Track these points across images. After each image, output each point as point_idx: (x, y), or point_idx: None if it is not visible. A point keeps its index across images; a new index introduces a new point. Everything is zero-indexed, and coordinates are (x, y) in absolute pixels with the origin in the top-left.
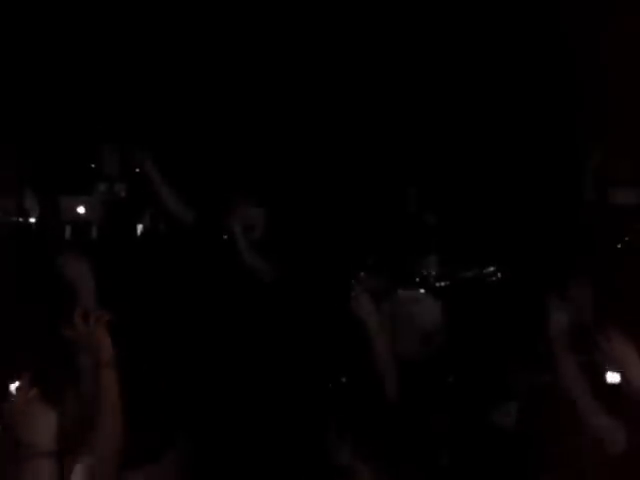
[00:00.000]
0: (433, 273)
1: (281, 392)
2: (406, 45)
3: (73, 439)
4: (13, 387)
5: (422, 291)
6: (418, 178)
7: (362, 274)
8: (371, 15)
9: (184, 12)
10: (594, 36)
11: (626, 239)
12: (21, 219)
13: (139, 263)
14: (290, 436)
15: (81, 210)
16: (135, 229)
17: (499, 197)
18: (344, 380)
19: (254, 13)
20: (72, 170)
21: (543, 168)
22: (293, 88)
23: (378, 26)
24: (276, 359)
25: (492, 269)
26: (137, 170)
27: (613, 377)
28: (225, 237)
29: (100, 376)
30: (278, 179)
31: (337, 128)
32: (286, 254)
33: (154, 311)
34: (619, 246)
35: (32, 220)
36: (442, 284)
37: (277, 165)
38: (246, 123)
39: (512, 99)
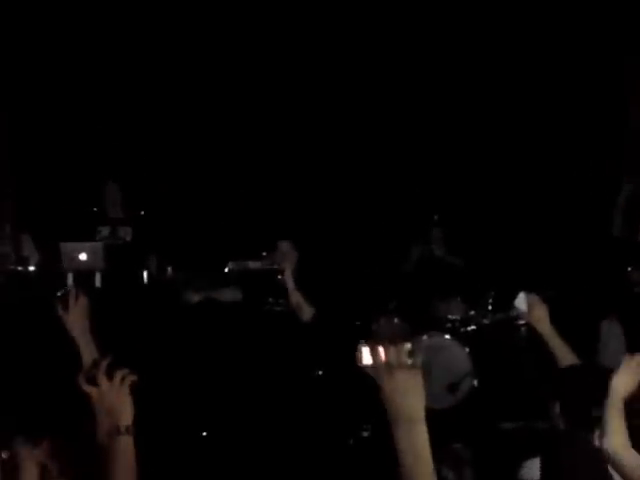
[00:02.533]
0: (458, 317)
1: (301, 446)
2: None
3: None
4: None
5: (447, 337)
6: (445, 220)
7: (381, 319)
8: (381, 28)
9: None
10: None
11: None
12: (19, 267)
13: (146, 313)
14: None
15: (83, 257)
16: (141, 276)
17: (529, 237)
18: (365, 434)
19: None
20: (73, 214)
21: (573, 211)
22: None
23: (389, 46)
24: (298, 414)
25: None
26: (142, 212)
27: None
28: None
29: (117, 443)
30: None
31: (361, 173)
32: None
33: (166, 368)
34: None
35: (31, 268)
36: (468, 329)
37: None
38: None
39: (545, 132)
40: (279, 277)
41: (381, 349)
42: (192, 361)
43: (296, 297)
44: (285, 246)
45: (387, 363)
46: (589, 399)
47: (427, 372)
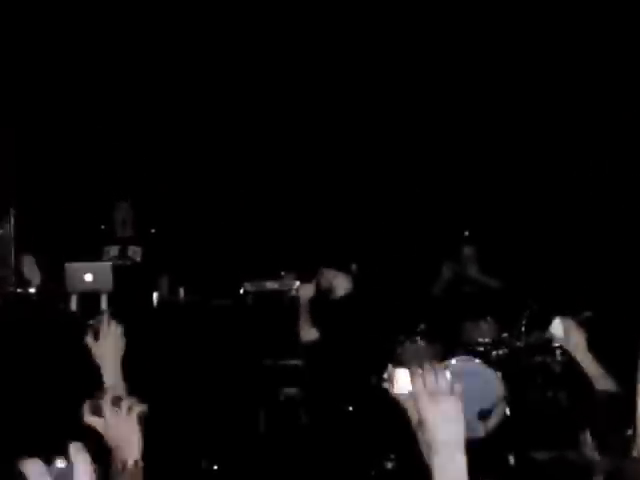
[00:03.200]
0: (490, 340)
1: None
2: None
3: None
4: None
5: (478, 361)
6: (477, 237)
7: (406, 343)
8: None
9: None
10: None
11: None
12: (19, 289)
13: (157, 338)
14: None
15: (89, 278)
16: (151, 298)
17: (564, 255)
18: (389, 466)
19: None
20: (79, 233)
21: (611, 227)
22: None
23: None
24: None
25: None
26: (153, 231)
27: None
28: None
29: (124, 477)
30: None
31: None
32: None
33: (178, 398)
34: None
35: (32, 290)
36: (500, 352)
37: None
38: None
39: (585, 149)
40: (292, 294)
41: (419, 375)
42: (205, 388)
43: (305, 317)
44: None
45: (428, 389)
46: (621, 427)
47: (460, 395)
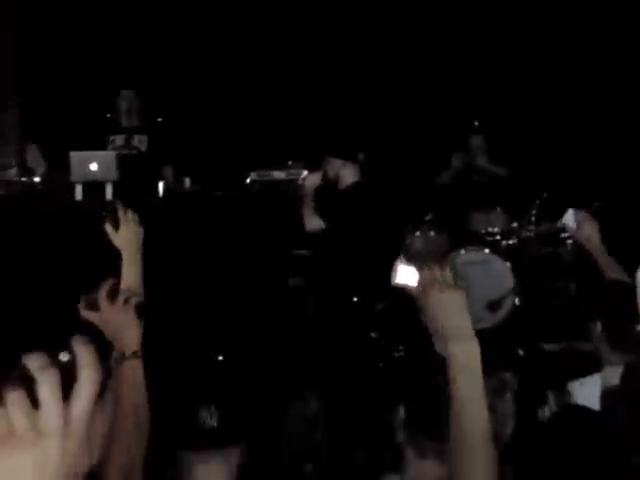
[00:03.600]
0: (499, 230)
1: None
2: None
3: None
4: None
5: (487, 251)
6: (486, 126)
7: (416, 233)
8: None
9: None
10: None
11: None
12: (24, 178)
13: (162, 229)
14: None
15: (94, 167)
16: (157, 188)
17: (576, 144)
18: (397, 356)
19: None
20: (83, 121)
21: (624, 116)
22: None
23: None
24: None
25: (569, 228)
26: (159, 120)
27: None
28: None
29: (125, 369)
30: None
31: (395, 77)
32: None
33: (184, 290)
34: None
35: (36, 179)
36: (509, 242)
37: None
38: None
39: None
40: (299, 183)
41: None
42: (211, 278)
43: (309, 206)
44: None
45: (434, 279)
46: (632, 317)
47: (466, 289)
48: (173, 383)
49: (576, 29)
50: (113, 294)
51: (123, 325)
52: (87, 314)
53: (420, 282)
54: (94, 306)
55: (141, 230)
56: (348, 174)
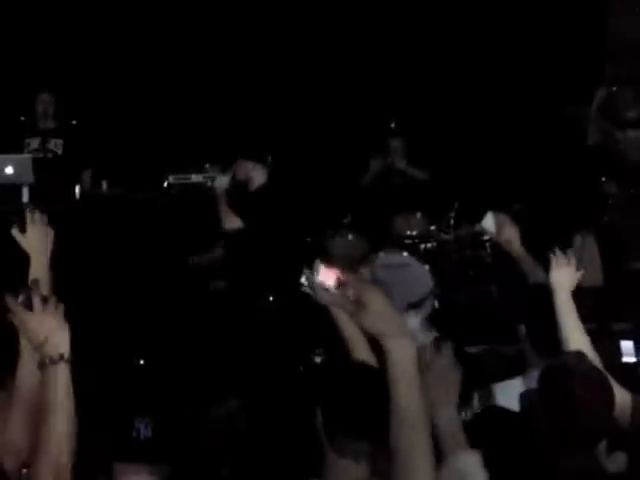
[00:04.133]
0: (418, 233)
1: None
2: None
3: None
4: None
5: (406, 254)
6: (404, 128)
7: (335, 236)
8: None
9: None
10: None
11: None
12: None
13: (79, 232)
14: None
15: (9, 170)
16: (73, 191)
17: (495, 146)
18: (318, 360)
19: None
20: None
21: (544, 118)
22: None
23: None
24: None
25: (488, 232)
26: (74, 122)
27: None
28: None
29: (53, 372)
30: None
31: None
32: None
33: (103, 292)
34: None
35: None
36: (428, 245)
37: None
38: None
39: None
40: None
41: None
42: (130, 282)
43: (222, 206)
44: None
45: (358, 283)
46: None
47: (388, 291)
48: (98, 389)
49: (492, 31)
50: (46, 296)
51: (54, 328)
52: (22, 313)
53: (344, 285)
54: (28, 305)
55: (50, 232)
56: (258, 176)
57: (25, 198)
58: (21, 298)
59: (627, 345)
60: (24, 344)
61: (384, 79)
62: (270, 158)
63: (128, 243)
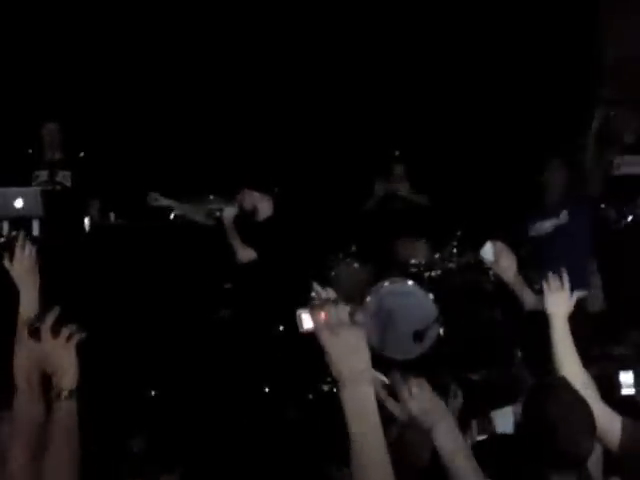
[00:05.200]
0: (422, 261)
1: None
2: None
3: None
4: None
5: (410, 282)
6: (408, 155)
7: (340, 264)
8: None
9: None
10: None
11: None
12: None
13: (88, 262)
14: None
15: (19, 203)
16: (83, 223)
17: (497, 174)
18: (326, 389)
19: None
20: (7, 157)
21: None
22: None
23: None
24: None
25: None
26: (82, 154)
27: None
28: None
29: (59, 409)
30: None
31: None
32: (289, 235)
33: (112, 322)
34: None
35: None
36: (432, 274)
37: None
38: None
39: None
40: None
41: (321, 311)
42: (139, 311)
43: (231, 237)
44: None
45: (328, 324)
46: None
47: (390, 320)
48: (106, 418)
49: (494, 60)
50: (57, 327)
51: (62, 362)
52: (29, 343)
53: (315, 325)
54: (37, 335)
55: (36, 267)
56: (264, 206)
57: (36, 231)
58: (28, 328)
59: (627, 376)
60: (19, 374)
61: (388, 106)
62: (277, 188)
63: (136, 272)
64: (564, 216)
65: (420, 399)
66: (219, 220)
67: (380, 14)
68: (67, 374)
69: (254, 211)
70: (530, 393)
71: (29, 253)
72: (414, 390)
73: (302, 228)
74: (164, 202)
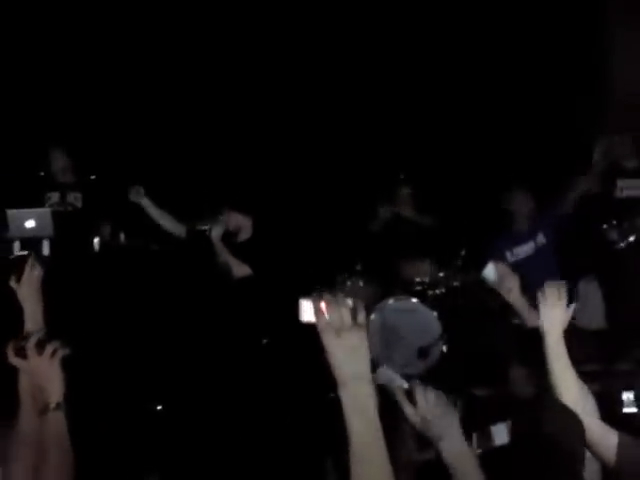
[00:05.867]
0: (427, 280)
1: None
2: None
3: None
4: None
5: (415, 300)
6: (412, 178)
7: (346, 283)
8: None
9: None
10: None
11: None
12: None
13: (97, 282)
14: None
15: (31, 224)
16: (92, 243)
17: (499, 195)
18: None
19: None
20: (19, 179)
21: (547, 167)
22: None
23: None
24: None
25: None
26: (93, 177)
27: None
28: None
29: (48, 421)
30: (265, 189)
31: (324, 128)
32: (267, 256)
33: (116, 341)
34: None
35: None
36: (437, 292)
37: (264, 175)
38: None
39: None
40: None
41: (323, 307)
42: (148, 331)
43: (223, 254)
44: (225, 209)
45: (330, 322)
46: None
47: (395, 337)
48: (112, 434)
49: (499, 83)
50: (41, 344)
51: (48, 376)
52: (15, 360)
53: (318, 325)
54: (22, 353)
55: (39, 285)
56: (247, 228)
57: (46, 251)
58: (12, 346)
59: (628, 396)
60: (23, 389)
61: (393, 128)
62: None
63: (145, 292)
64: (541, 238)
65: (436, 406)
66: (197, 234)
67: (385, 34)
68: (53, 387)
69: (238, 230)
70: (521, 409)
71: (37, 274)
72: (431, 397)
73: (285, 249)
74: (144, 202)
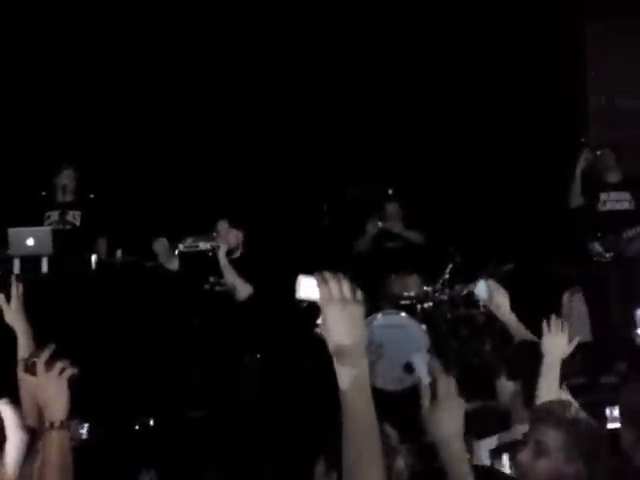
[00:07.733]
0: (414, 294)
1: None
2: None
3: None
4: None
5: (403, 314)
6: (400, 193)
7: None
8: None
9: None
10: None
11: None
12: None
13: (95, 299)
14: None
15: (30, 242)
16: (90, 260)
17: (486, 210)
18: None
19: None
20: (20, 198)
21: (531, 182)
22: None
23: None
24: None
25: (481, 298)
26: (91, 196)
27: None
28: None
29: (51, 438)
30: (254, 205)
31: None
32: (261, 272)
33: (114, 357)
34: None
35: None
36: (425, 306)
37: (252, 193)
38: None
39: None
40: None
41: (324, 283)
42: (143, 347)
43: (230, 275)
44: (222, 225)
45: (334, 297)
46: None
47: (382, 352)
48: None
49: (485, 100)
50: (50, 362)
51: (54, 394)
52: (25, 377)
53: (320, 297)
54: (32, 370)
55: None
56: (240, 244)
57: (44, 268)
58: (23, 362)
59: (612, 412)
60: (27, 408)
61: (381, 145)
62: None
63: (141, 308)
64: None
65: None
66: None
67: (373, 52)
68: (58, 405)
69: (237, 247)
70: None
71: (19, 292)
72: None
73: (276, 263)
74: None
